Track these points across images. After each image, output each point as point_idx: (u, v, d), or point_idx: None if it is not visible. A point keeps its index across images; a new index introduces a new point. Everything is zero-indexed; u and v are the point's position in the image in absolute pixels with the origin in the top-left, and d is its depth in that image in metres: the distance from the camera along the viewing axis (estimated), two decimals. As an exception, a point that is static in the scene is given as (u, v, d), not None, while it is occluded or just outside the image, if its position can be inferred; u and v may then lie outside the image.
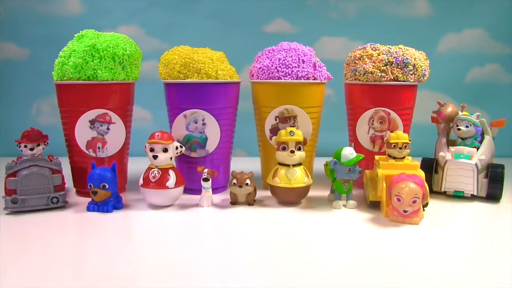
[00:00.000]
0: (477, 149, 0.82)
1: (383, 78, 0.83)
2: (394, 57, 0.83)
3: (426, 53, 0.89)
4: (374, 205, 0.76)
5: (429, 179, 0.82)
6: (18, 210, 0.72)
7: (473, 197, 0.82)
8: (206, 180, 0.76)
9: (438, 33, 1.25)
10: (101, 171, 0.73)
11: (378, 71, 0.83)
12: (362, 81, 0.85)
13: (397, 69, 0.83)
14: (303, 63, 0.83)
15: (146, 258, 0.56)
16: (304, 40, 0.90)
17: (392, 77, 0.83)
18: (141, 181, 0.75)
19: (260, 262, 0.56)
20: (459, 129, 0.83)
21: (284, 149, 0.77)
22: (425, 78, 0.86)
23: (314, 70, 0.84)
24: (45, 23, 1.22)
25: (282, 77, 0.82)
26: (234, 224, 0.70)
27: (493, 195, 0.80)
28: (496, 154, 0.86)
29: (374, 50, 0.86)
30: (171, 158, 0.76)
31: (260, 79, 0.85)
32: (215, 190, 0.83)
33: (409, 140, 0.75)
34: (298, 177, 0.76)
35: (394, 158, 0.75)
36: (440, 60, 1.20)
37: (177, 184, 0.75)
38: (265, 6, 1.24)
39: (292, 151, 0.76)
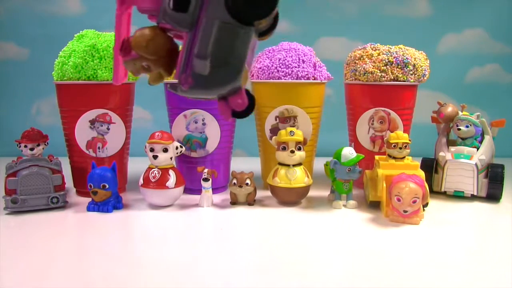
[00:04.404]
0: (477, 149, 0.82)
1: (383, 78, 0.83)
2: (394, 57, 0.83)
3: (426, 53, 0.89)
4: (374, 205, 0.76)
5: (429, 179, 0.82)
6: (18, 210, 0.72)
7: (473, 197, 0.82)
8: (206, 180, 0.76)
9: (438, 33, 1.25)
10: (101, 171, 0.73)
11: (378, 71, 0.83)
12: (362, 81, 0.85)
13: (397, 69, 0.83)
14: (303, 63, 0.83)
15: (146, 258, 0.56)
16: (304, 40, 0.90)
17: (392, 77, 0.83)
18: (141, 181, 0.75)
19: (260, 262, 0.56)
20: (459, 129, 0.83)
21: (284, 149, 0.77)
22: (425, 78, 0.86)
23: (314, 70, 0.84)
24: (45, 23, 1.22)
25: (282, 77, 0.82)
26: (234, 224, 0.70)
27: (493, 195, 0.80)
28: (496, 154, 0.86)
29: (374, 50, 0.86)
30: (171, 158, 0.76)
31: (260, 79, 0.85)
32: (215, 190, 0.83)
33: (409, 140, 0.75)
34: (298, 177, 0.76)
35: (394, 158, 0.75)
36: (440, 60, 1.20)
37: (177, 184, 0.75)
38: (265, 6, 1.24)
39: (292, 151, 0.76)
